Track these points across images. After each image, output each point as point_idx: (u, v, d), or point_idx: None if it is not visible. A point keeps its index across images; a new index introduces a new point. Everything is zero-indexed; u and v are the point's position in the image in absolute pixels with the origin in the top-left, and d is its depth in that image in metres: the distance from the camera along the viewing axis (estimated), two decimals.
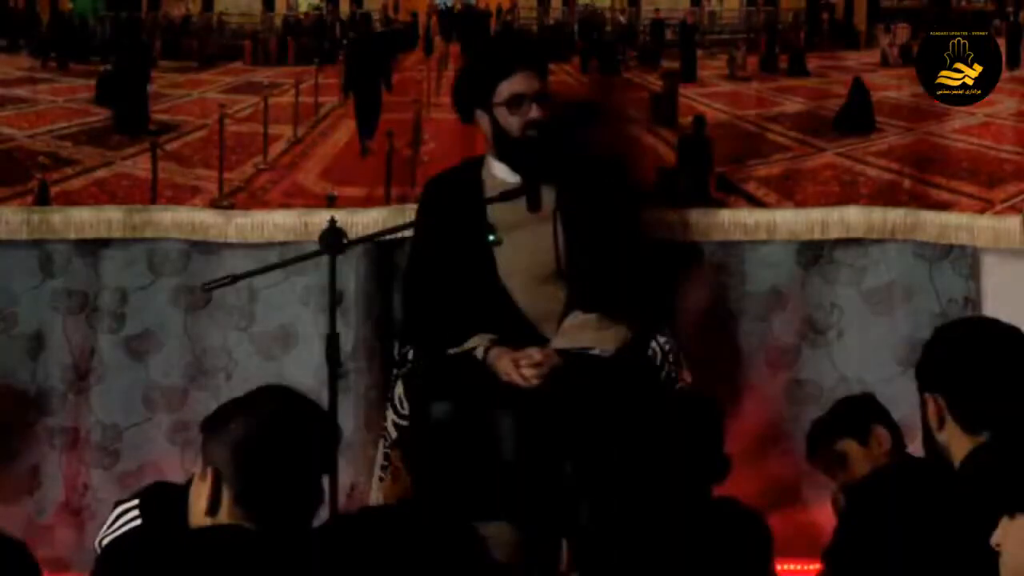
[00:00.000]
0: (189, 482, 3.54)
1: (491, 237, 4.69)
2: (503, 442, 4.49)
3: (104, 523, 3.75)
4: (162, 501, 3.52)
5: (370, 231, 4.97)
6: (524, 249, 4.71)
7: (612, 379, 4.54)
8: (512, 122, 4.66)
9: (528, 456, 4.49)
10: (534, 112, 4.65)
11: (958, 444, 3.11)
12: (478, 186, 4.77)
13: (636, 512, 3.39)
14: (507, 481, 4.41)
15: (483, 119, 4.73)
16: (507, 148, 4.71)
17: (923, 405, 3.18)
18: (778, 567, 5.16)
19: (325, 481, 3.22)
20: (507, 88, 4.65)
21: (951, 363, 3.17)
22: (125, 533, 3.46)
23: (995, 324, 3.34)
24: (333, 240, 4.37)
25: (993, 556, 2.95)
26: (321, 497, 3.14)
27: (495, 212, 4.69)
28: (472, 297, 4.70)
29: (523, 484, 4.46)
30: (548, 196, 4.71)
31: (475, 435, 4.45)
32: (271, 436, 3.06)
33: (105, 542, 3.53)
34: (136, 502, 3.68)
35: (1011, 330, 3.20)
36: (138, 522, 3.58)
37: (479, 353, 4.58)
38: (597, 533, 3.25)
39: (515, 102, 4.65)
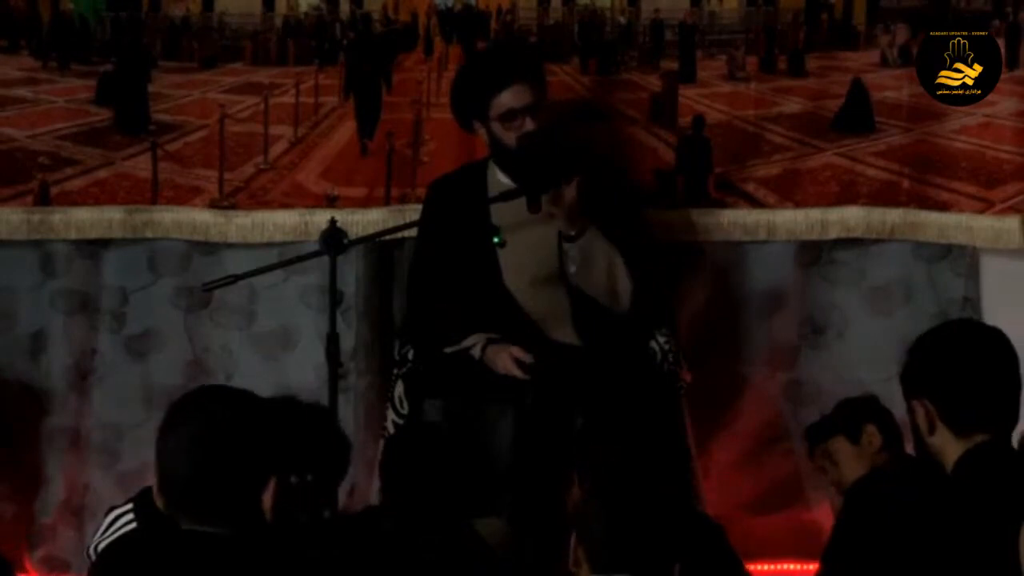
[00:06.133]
0: None
1: (495, 239, 4.71)
2: (500, 438, 4.49)
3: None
4: (155, 504, 3.53)
5: (370, 231, 4.97)
6: (528, 251, 4.71)
7: (615, 375, 4.55)
8: (508, 136, 4.65)
9: (526, 452, 4.50)
10: (528, 124, 4.64)
11: (950, 448, 3.12)
12: (482, 188, 4.77)
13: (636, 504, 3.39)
14: (503, 478, 4.42)
15: (481, 129, 4.73)
16: (505, 159, 4.71)
17: (911, 411, 3.19)
18: (779, 567, 5.19)
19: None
20: (500, 103, 4.63)
21: (938, 368, 3.17)
22: (121, 536, 3.46)
23: (978, 326, 3.36)
24: (333, 240, 4.37)
25: (989, 557, 2.96)
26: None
27: (499, 214, 4.70)
28: (476, 298, 4.71)
29: (521, 480, 4.47)
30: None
31: (470, 432, 4.46)
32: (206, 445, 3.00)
33: (100, 547, 3.53)
34: (130, 506, 3.68)
35: (993, 331, 3.21)
36: (132, 526, 3.58)
37: (476, 352, 4.59)
38: (608, 525, 3.25)
39: (509, 116, 4.63)
